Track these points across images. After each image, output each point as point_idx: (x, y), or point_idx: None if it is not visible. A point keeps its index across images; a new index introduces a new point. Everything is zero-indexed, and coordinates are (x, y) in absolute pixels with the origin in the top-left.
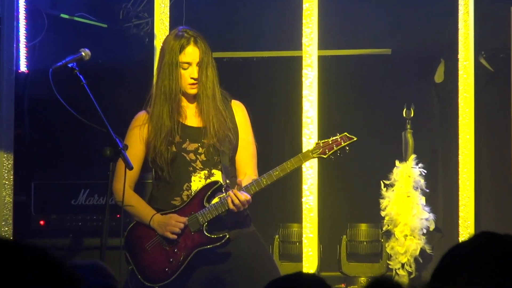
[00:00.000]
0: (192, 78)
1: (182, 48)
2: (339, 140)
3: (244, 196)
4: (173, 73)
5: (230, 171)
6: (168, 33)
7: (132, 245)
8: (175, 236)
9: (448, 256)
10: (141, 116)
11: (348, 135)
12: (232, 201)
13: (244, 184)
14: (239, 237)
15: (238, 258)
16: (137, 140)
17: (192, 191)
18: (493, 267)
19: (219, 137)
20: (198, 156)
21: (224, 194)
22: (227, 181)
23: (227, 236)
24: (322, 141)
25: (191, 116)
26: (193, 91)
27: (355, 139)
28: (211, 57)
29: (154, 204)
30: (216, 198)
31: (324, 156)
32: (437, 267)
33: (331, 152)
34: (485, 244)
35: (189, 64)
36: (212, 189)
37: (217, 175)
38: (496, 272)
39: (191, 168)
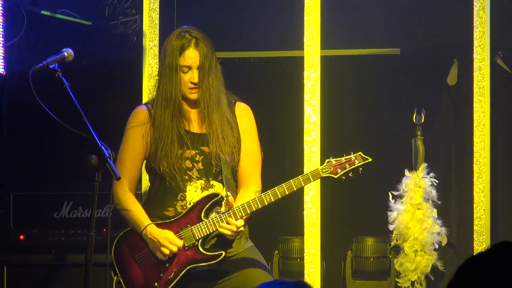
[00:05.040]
0: (192, 82)
1: (182, 50)
2: (352, 159)
3: (235, 224)
4: (173, 77)
5: (232, 184)
6: (157, 31)
7: (121, 255)
8: (164, 257)
9: (464, 267)
10: (142, 113)
11: (363, 154)
12: (225, 231)
13: (244, 200)
14: (236, 253)
15: (233, 275)
16: (139, 138)
17: (187, 202)
18: None
19: (223, 146)
20: (194, 164)
21: (222, 208)
22: (228, 193)
23: (223, 254)
24: (335, 159)
25: (194, 121)
26: (193, 96)
27: (370, 160)
28: (215, 60)
29: (147, 213)
30: (214, 212)
31: (334, 176)
32: (453, 279)
33: (343, 172)
34: (505, 255)
35: (189, 68)
36: (211, 201)
37: (217, 187)
38: None
39: (186, 177)
